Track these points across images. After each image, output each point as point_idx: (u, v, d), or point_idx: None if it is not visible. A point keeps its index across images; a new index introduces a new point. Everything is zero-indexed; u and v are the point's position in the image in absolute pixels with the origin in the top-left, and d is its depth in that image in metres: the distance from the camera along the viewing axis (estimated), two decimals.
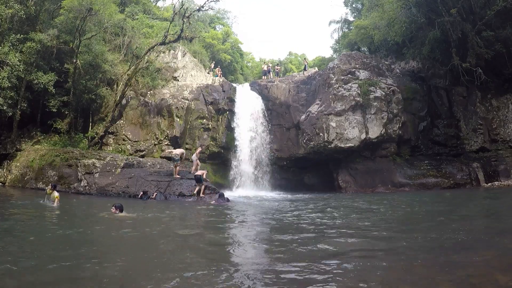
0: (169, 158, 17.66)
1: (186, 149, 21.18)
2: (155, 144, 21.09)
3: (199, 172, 14.52)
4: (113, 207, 8.95)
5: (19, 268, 4.16)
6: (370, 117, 19.61)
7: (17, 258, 4.62)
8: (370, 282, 3.70)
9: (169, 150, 18.65)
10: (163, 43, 21.93)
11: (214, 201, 12.93)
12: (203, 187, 14.04)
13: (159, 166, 17.82)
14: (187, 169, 17.12)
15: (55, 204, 10.41)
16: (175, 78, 24.72)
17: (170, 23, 22.90)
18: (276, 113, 23.13)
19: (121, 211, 8.88)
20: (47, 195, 10.96)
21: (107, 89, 21.35)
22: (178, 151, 15.64)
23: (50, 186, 11.19)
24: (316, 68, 33.25)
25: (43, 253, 5.03)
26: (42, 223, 8.02)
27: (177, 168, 15.25)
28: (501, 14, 18.58)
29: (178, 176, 15.04)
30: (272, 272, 4.05)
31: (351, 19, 36.38)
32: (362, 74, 21.22)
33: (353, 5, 36.57)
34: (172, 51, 25.69)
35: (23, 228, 7.11)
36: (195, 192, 13.91)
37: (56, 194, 10.69)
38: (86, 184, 15.66)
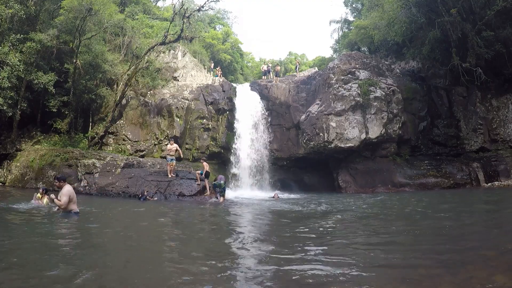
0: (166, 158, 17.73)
1: (186, 149, 21.21)
2: (155, 144, 21.09)
3: (207, 168, 14.99)
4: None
5: None
6: (370, 117, 19.60)
7: None
8: (370, 282, 3.70)
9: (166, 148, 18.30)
10: (163, 43, 21.95)
11: (213, 197, 13.27)
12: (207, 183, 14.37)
13: (159, 166, 17.81)
14: (187, 169, 17.14)
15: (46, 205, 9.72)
16: (175, 78, 24.73)
17: (170, 23, 22.92)
18: (276, 113, 23.13)
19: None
20: (37, 200, 10.07)
21: (107, 89, 21.36)
22: (173, 149, 15.70)
23: (41, 190, 10.47)
24: (316, 68, 33.34)
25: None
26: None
27: (171, 167, 15.42)
28: (501, 14, 18.57)
29: (173, 175, 15.16)
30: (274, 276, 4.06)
31: (351, 19, 36.43)
32: (362, 74, 21.21)
33: (353, 5, 36.62)
34: (172, 51, 25.72)
35: None
36: (206, 189, 14.50)
37: (46, 200, 10.00)
38: (86, 184, 15.66)
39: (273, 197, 15.33)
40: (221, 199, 13.60)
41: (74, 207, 8.04)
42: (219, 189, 13.80)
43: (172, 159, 15.47)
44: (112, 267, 4.37)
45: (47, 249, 5.20)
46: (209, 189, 14.63)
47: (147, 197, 13.71)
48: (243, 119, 22.26)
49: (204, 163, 15.09)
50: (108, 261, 4.65)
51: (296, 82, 24.76)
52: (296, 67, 31.20)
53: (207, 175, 14.73)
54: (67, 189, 7.95)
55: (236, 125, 22.17)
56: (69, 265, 4.29)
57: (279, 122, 22.90)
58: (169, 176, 15.22)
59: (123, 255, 5.11)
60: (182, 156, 17.16)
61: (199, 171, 14.93)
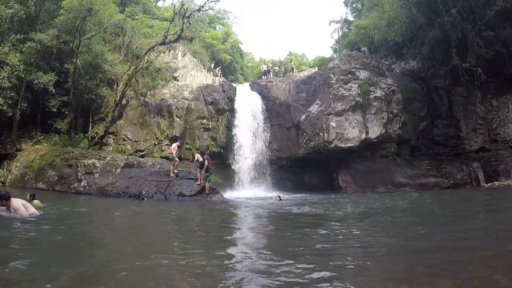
0: (169, 158, 17.68)
1: (186, 149, 21.21)
2: (155, 144, 21.09)
3: (200, 158, 14.84)
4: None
5: None
6: (370, 117, 19.60)
7: None
8: (370, 282, 3.70)
9: (169, 150, 18.45)
10: (163, 43, 21.96)
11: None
12: (200, 174, 14.44)
13: (159, 166, 17.82)
14: (187, 169, 17.13)
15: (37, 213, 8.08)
16: (175, 78, 24.72)
17: (170, 23, 22.92)
18: (276, 113, 23.14)
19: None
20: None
21: (107, 89, 21.36)
22: (174, 145, 15.65)
23: (28, 196, 9.71)
24: (316, 68, 33.43)
25: None
26: None
27: (174, 166, 15.32)
28: (501, 14, 18.57)
29: (173, 175, 15.10)
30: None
31: (351, 19, 36.43)
32: (362, 74, 21.22)
33: (353, 5, 36.63)
34: (172, 51, 25.72)
35: None
36: (200, 180, 14.41)
37: (36, 201, 9.32)
38: (86, 184, 15.65)
39: (275, 199, 15.06)
40: (206, 184, 13.80)
41: (34, 210, 7.86)
42: (207, 174, 13.92)
43: (173, 158, 15.43)
44: (115, 273, 4.37)
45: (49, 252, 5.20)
46: (201, 180, 14.53)
47: (146, 197, 13.70)
48: (243, 119, 22.26)
49: (196, 155, 14.95)
50: (111, 266, 4.65)
51: (296, 82, 24.77)
52: (292, 69, 31.74)
53: (202, 165, 14.66)
54: (16, 200, 7.71)
55: (236, 125, 22.16)
56: (71, 273, 4.29)
57: (279, 122, 22.90)
58: (171, 175, 15.14)
59: (126, 258, 5.12)
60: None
61: (197, 165, 14.72)
